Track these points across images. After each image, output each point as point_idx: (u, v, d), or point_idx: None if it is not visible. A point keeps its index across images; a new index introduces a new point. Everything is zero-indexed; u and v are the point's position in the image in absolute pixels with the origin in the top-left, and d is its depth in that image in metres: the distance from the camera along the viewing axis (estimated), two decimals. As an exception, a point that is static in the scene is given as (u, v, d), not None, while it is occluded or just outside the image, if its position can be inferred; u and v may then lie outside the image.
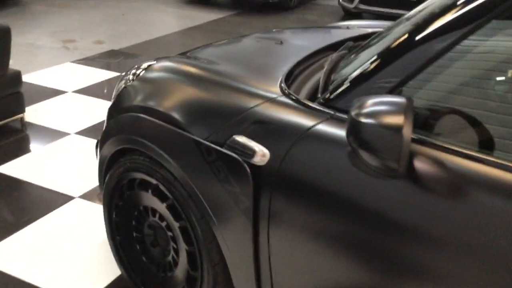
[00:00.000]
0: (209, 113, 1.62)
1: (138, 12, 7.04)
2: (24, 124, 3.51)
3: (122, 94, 1.97)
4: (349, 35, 2.08)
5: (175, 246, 1.82)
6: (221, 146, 1.53)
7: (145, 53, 5.24)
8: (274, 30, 2.59)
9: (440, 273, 1.15)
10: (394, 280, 1.24)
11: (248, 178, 1.44)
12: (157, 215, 1.85)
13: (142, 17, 6.83)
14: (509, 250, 1.06)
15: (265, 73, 1.73)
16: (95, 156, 2.24)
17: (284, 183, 1.40)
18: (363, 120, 1.11)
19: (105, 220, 2.06)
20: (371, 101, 1.14)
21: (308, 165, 1.36)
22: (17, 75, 3.39)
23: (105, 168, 2.00)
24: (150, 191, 1.81)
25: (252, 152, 1.46)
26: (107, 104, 3.96)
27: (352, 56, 1.62)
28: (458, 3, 1.25)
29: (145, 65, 2.05)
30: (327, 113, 1.39)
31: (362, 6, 6.57)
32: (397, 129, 1.07)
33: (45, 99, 3.98)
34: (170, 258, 1.87)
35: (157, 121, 1.70)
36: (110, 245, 2.07)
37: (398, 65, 1.28)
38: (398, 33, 1.40)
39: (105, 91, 4.22)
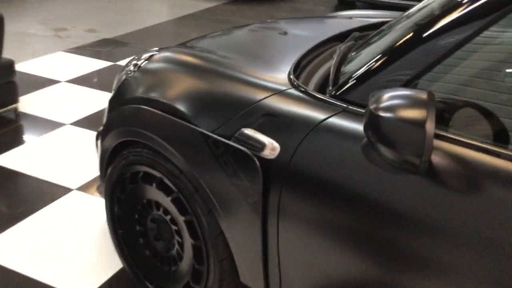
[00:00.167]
0: (216, 105, 1.58)
1: (130, 1, 6.94)
2: (18, 115, 3.45)
3: (124, 86, 1.93)
4: (354, 26, 2.05)
5: (179, 240, 1.79)
6: (229, 139, 1.50)
7: (139, 42, 5.17)
8: (269, 20, 2.55)
9: (459, 269, 1.13)
10: (407, 276, 1.23)
11: (258, 171, 1.42)
12: (161, 209, 1.82)
13: (134, 5, 6.73)
14: None
15: (272, 64, 1.70)
16: (95, 148, 2.20)
17: (295, 176, 1.38)
18: (383, 114, 1.09)
19: (106, 214, 2.03)
20: (389, 94, 1.12)
21: (320, 158, 1.33)
22: (10, 64, 3.32)
23: (106, 161, 1.96)
24: (154, 184, 1.78)
25: (262, 145, 1.43)
26: (102, 94, 3.95)
27: (362, 47, 1.59)
28: None
29: (146, 55, 2.01)
30: (340, 106, 1.37)
31: (357, -5, 6.53)
32: (420, 124, 1.05)
33: (38, 89, 3.91)
34: (174, 252, 1.84)
35: (162, 113, 1.67)
36: (112, 238, 2.05)
37: (413, 58, 1.25)
38: (411, 25, 1.38)
39: (95, 80, 4.16)
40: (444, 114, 1.25)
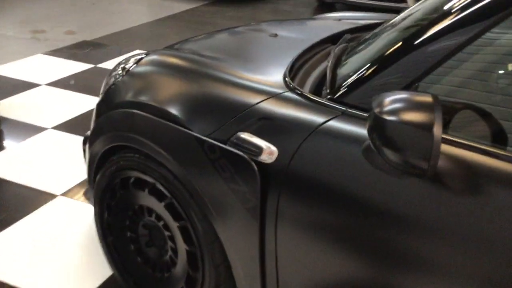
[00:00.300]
0: (211, 109, 1.56)
1: (109, 1, 6.85)
2: (-3, 119, 3.37)
3: (112, 90, 1.89)
4: (344, 28, 2.05)
5: (173, 246, 1.76)
6: (225, 144, 1.48)
7: (119, 43, 5.10)
8: (256, 22, 2.53)
9: (463, 272, 1.13)
10: (408, 281, 1.22)
11: (255, 176, 1.40)
12: (154, 215, 1.79)
13: (112, 6, 6.65)
14: None
15: (266, 67, 1.68)
16: (82, 153, 2.16)
17: (294, 180, 1.36)
18: (388, 117, 1.08)
19: (95, 220, 1.98)
20: (394, 97, 1.11)
21: (320, 162, 1.32)
22: (-11, 68, 3.24)
23: (95, 167, 1.92)
24: (146, 190, 1.74)
25: (259, 150, 1.41)
26: (83, 97, 3.88)
27: (356, 49, 1.58)
28: None
29: (134, 59, 1.98)
30: (339, 109, 1.36)
31: (337, -3, 6.55)
32: (427, 128, 1.04)
33: (18, 93, 3.82)
34: (167, 258, 1.81)
35: (155, 117, 1.64)
36: (101, 245, 2.00)
37: (412, 60, 1.25)
38: (409, 26, 1.37)
39: (76, 83, 4.08)
40: (444, 116, 1.25)
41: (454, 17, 1.24)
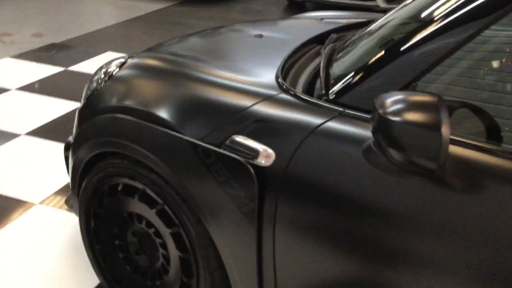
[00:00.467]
0: (202, 112, 1.53)
1: (76, 3, 6.70)
2: (-33, 127, 3.25)
3: (96, 95, 1.84)
4: (329, 28, 2.04)
5: (164, 253, 1.73)
6: (219, 147, 1.45)
7: (89, 45, 4.99)
8: (234, 24, 2.50)
9: (467, 271, 1.14)
10: (413, 284, 1.21)
11: (253, 179, 1.38)
12: (144, 222, 1.75)
13: (80, 7, 6.51)
14: None
15: (256, 68, 1.66)
16: (64, 160, 2.09)
17: (293, 183, 1.34)
18: (394, 118, 1.07)
19: (81, 229, 1.92)
20: (397, 98, 1.10)
21: (319, 164, 1.31)
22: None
23: (80, 174, 1.86)
24: (136, 197, 1.70)
25: (255, 153, 1.39)
26: (56, 101, 3.78)
27: (349, 49, 1.58)
28: None
29: (116, 62, 1.93)
30: (336, 110, 1.35)
31: (307, -4, 6.57)
32: (435, 128, 1.04)
33: (-13, 98, 3.70)
34: (159, 265, 1.77)
35: (144, 122, 1.60)
36: (87, 254, 1.94)
37: (411, 59, 1.25)
38: (405, 24, 1.37)
39: (48, 86, 3.97)
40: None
41: (452, 14, 1.24)
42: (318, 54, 1.80)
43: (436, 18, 1.27)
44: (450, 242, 1.13)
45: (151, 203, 1.67)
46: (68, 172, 2.07)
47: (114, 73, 1.85)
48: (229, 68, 1.68)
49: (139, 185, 1.67)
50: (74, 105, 3.64)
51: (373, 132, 1.14)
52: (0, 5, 6.25)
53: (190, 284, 1.67)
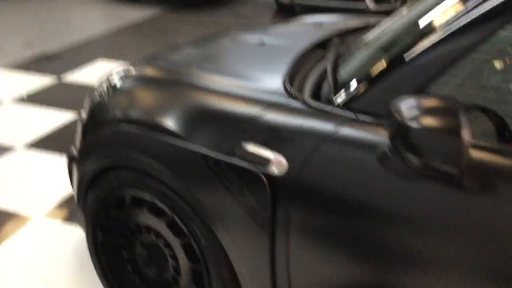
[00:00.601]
0: (211, 122, 1.52)
1: (64, 12, 6.67)
2: (-38, 140, 3.21)
3: (100, 108, 1.83)
4: (329, 33, 2.05)
5: (174, 263, 1.72)
6: (229, 156, 1.45)
7: (81, 54, 4.96)
8: (233, 31, 2.50)
9: (481, 275, 1.14)
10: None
11: (265, 188, 1.38)
12: (152, 233, 1.74)
13: (69, 17, 6.47)
14: None
15: (262, 76, 1.66)
16: (68, 173, 2.08)
17: (306, 191, 1.34)
18: (412, 124, 1.08)
19: (88, 241, 1.91)
20: (413, 103, 1.11)
21: (332, 171, 1.31)
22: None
23: (86, 187, 1.84)
24: (145, 208, 1.69)
25: (267, 161, 1.39)
26: (52, 112, 3.75)
27: (356, 54, 1.58)
28: None
29: (119, 74, 1.91)
30: (348, 116, 1.35)
31: (297, 0, 6.58)
32: (455, 132, 1.05)
33: (-19, 111, 3.66)
34: (169, 276, 1.76)
35: (152, 133, 1.59)
36: (95, 267, 1.93)
37: (423, 63, 1.25)
38: (415, 28, 1.37)
39: (42, 97, 3.93)
40: None
41: (466, 15, 1.24)
42: (322, 59, 1.80)
43: (448, 21, 1.27)
44: (468, 246, 1.14)
45: (160, 214, 1.66)
46: (72, 185, 2.06)
47: (117, 84, 1.84)
48: (235, 76, 1.68)
49: (148, 197, 1.66)
50: (70, 115, 3.61)
51: (391, 138, 1.14)
52: (-12, 15, 6.20)
53: (202, 294, 1.67)
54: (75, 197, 1.95)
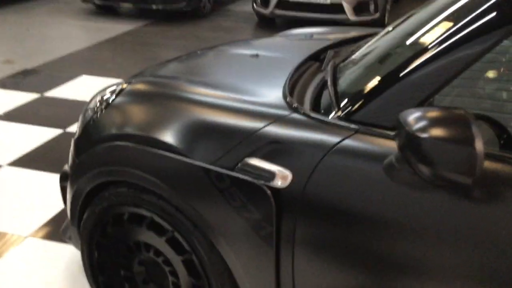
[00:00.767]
0: (211, 136, 1.51)
1: (44, 27, 6.59)
2: None
3: (93, 124, 1.80)
4: (323, 44, 2.05)
5: (175, 280, 1.68)
6: (231, 171, 1.43)
7: (63, 70, 4.90)
8: (226, 43, 2.49)
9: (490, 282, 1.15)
10: None
11: (270, 202, 1.36)
12: (152, 250, 1.70)
13: (49, 32, 6.40)
14: None
15: (260, 89, 1.65)
16: (60, 191, 2.03)
17: (311, 204, 1.33)
18: (423, 135, 1.08)
19: (83, 260, 1.86)
20: (424, 114, 1.11)
21: (337, 183, 1.30)
22: None
23: (80, 205, 1.80)
24: (144, 225, 1.66)
25: (271, 175, 1.38)
26: (35, 129, 3.68)
27: (354, 65, 1.59)
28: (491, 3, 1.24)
29: (111, 89, 1.89)
30: (351, 127, 1.34)
31: (278, 12, 6.62)
32: (468, 142, 1.05)
33: (-38, 129, 3.58)
34: (169, 294, 1.73)
35: (151, 149, 1.56)
36: (91, 287, 1.88)
37: (427, 74, 1.26)
38: (419, 39, 1.38)
39: (25, 114, 3.86)
40: None
41: (469, 26, 1.25)
42: (318, 71, 1.80)
43: (451, 31, 1.28)
44: (480, 256, 1.14)
45: (160, 230, 1.63)
46: (65, 203, 2.01)
47: (110, 100, 1.81)
48: (232, 90, 1.67)
49: (147, 213, 1.63)
50: (55, 131, 3.55)
51: (401, 148, 1.14)
52: (-35, 32, 6.09)
53: (204, 311, 1.64)
54: (68, 214, 1.91)
